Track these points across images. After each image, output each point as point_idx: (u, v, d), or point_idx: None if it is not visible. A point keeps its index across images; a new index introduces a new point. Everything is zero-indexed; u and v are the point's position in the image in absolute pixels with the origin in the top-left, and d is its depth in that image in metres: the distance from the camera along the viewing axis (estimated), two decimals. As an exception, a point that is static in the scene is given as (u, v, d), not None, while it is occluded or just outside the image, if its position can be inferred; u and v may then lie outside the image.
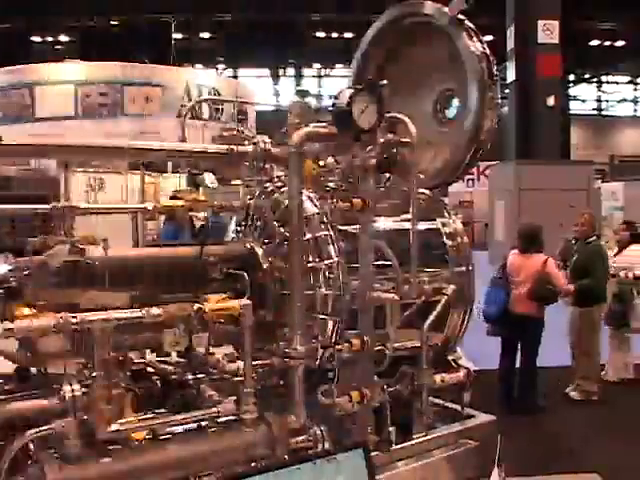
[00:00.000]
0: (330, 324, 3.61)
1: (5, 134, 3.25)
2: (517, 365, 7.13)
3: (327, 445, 3.55)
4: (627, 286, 8.02)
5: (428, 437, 4.14)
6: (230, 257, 3.77)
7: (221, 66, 35.20)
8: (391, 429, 3.87)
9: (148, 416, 3.24)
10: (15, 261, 3.27)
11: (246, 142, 3.85)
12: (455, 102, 4.77)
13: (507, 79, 21.36)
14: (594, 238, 7.54)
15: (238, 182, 4.20)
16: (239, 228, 4.14)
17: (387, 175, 4.06)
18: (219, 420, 3.38)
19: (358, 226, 3.68)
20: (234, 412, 3.32)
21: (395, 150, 3.93)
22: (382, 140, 3.68)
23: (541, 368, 7.32)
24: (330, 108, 3.56)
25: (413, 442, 4.06)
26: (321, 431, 3.54)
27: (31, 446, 2.98)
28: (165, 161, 11.60)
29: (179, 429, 3.34)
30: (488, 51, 4.40)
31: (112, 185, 13.85)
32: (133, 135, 15.09)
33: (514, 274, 7.06)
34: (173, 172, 15.34)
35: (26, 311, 2.91)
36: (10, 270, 3.23)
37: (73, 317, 2.90)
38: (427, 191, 4.57)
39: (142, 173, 11.63)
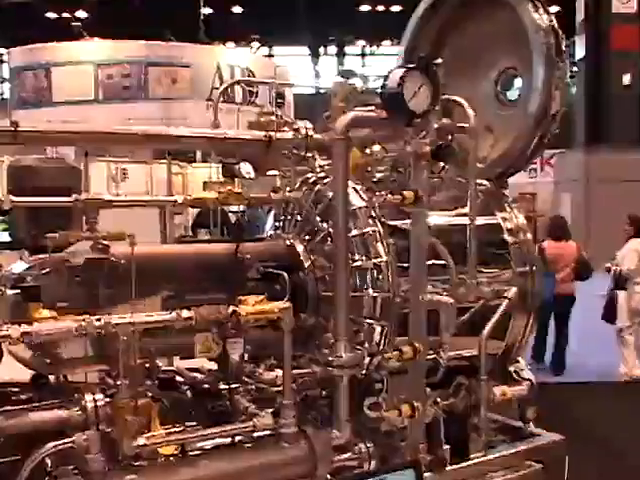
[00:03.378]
0: (378, 330, 3.62)
1: (21, 120, 3.33)
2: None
3: (374, 464, 3.57)
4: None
5: (487, 457, 4.12)
6: (268, 255, 3.81)
7: (255, 44, 35.40)
8: (445, 447, 3.86)
9: (177, 429, 3.29)
10: (33, 259, 3.34)
11: (285, 128, 3.87)
12: (518, 82, 4.73)
13: (576, 56, 21.10)
14: None
15: (275, 173, 4.22)
16: (277, 223, 4.18)
17: (442, 164, 4.05)
18: (255, 435, 3.42)
19: (409, 221, 3.68)
20: (272, 426, 3.35)
21: (451, 136, 3.92)
22: (436, 125, 3.67)
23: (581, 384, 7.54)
24: (379, 90, 3.56)
25: (470, 463, 4.04)
26: (367, 448, 3.56)
27: (48, 462, 3.05)
28: (194, 149, 11.70)
29: (211, 444, 3.39)
30: (555, 24, 4.35)
31: (136, 176, 14.04)
32: (159, 120, 15.26)
33: (556, 261, 9.39)
34: (202, 161, 15.52)
35: (45, 313, 2.96)
36: (27, 269, 3.29)
37: (96, 320, 2.96)
38: (486, 182, 4.54)
39: (169, 163, 11.76)
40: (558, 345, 10.02)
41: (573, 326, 10.11)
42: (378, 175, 4.12)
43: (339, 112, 3.63)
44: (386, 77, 3.52)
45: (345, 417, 3.47)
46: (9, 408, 3.20)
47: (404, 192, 3.50)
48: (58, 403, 3.22)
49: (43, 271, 3.23)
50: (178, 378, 3.84)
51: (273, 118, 3.94)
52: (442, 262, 3.93)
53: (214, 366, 3.77)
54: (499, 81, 4.79)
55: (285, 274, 3.63)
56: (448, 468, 3.87)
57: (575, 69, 21.09)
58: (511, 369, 4.45)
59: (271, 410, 3.40)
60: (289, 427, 3.36)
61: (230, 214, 10.70)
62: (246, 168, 3.68)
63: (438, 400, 3.89)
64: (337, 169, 3.49)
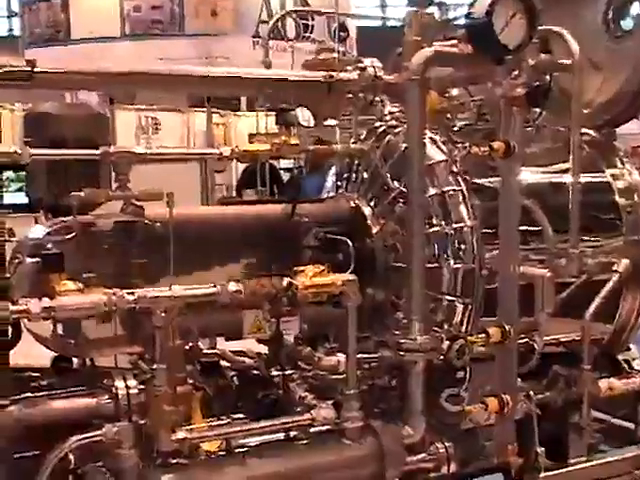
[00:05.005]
0: (460, 308, 3.64)
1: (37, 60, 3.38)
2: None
3: (454, 467, 3.60)
4: None
5: (589, 464, 4.11)
6: (329, 218, 3.85)
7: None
8: (540, 450, 3.87)
9: (222, 422, 3.36)
10: (55, 222, 3.42)
11: (349, 67, 3.88)
12: (635, 7, 4.64)
13: None
14: None
15: (333, 122, 4.23)
16: (339, 181, 4.20)
17: (538, 110, 4.02)
18: (313, 430, 3.47)
19: (498, 179, 3.67)
20: (333, 420, 3.39)
21: (550, 76, 3.88)
22: (532, 62, 3.64)
23: None
24: (463, 20, 3.54)
25: (569, 469, 4.05)
26: (446, 448, 3.60)
27: (72, 457, 3.15)
28: (239, 95, 11.68)
29: (260, 440, 3.44)
30: None
31: (169, 127, 14.12)
32: (196, 60, 15.29)
33: None
34: (248, 110, 15.54)
35: (69, 285, 3.02)
36: (48, 233, 3.37)
37: (129, 293, 3.02)
38: (592, 132, 4.49)
39: (208, 111, 11.82)
40: None
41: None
42: (460, 123, 4.11)
43: (413, 48, 3.61)
44: (471, 4, 3.50)
45: (419, 411, 3.51)
46: (27, 396, 3.29)
47: (492, 143, 3.49)
48: (84, 390, 3.31)
49: (66, 236, 3.29)
50: (223, 363, 3.89)
51: (334, 55, 3.94)
52: (537, 228, 3.92)
53: (265, 349, 3.83)
54: (610, 7, 4.71)
55: (349, 241, 3.67)
56: (542, 474, 3.89)
57: None
58: (620, 358, 4.43)
59: (332, 401, 3.44)
60: (353, 421, 3.39)
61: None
62: (304, 115, 3.69)
63: (531, 393, 3.90)
64: (411, 116, 3.50)
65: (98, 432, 3.04)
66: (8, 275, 3.27)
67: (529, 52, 3.59)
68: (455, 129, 4.10)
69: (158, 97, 13.28)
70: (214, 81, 3.89)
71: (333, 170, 4.34)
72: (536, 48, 3.71)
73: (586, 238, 4.03)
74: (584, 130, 4.21)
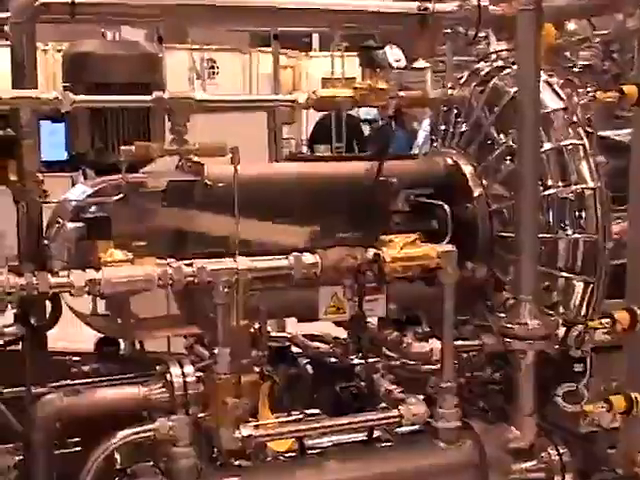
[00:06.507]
0: (579, 287, 3.61)
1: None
2: None
3: (569, 478, 3.58)
4: None
5: None
6: (422, 178, 3.85)
7: None
8: (676, 461, 3.84)
9: (294, 418, 3.39)
10: (99, 181, 3.47)
11: (448, -3, 3.87)
12: None
13: None
14: None
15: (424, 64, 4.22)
16: (435, 135, 4.19)
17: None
18: (400, 430, 3.51)
19: (629, 130, 3.63)
20: (425, 418, 3.39)
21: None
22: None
23: None
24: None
25: None
26: (560, 455, 3.59)
27: (117, 456, 3.24)
28: (312, 30, 11.57)
29: (339, 439, 3.51)
30: None
31: (228, 69, 14.11)
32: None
33: None
34: (322, 50, 15.49)
35: (117, 255, 3.05)
36: (91, 195, 3.42)
37: (187, 265, 3.05)
38: None
39: (274, 51, 11.76)
40: None
41: None
42: (582, 63, 4.06)
43: (527, -27, 3.58)
44: None
45: (529, 410, 3.50)
46: (68, 383, 3.38)
47: (623, 87, 3.44)
48: (133, 378, 3.39)
49: (114, 198, 3.32)
50: (295, 349, 3.92)
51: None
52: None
53: (344, 333, 3.84)
54: None
55: (446, 205, 3.67)
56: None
57: None
58: None
59: (423, 396, 3.46)
60: (449, 420, 3.40)
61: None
62: (394, 54, 3.67)
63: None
64: (523, 55, 3.45)
65: (150, 426, 3.08)
66: (46, 242, 3.34)
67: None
68: (576, 70, 4.04)
69: (215, 34, 13.29)
70: (281, 14, 3.88)
71: (427, 122, 4.33)
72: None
73: None
74: None
